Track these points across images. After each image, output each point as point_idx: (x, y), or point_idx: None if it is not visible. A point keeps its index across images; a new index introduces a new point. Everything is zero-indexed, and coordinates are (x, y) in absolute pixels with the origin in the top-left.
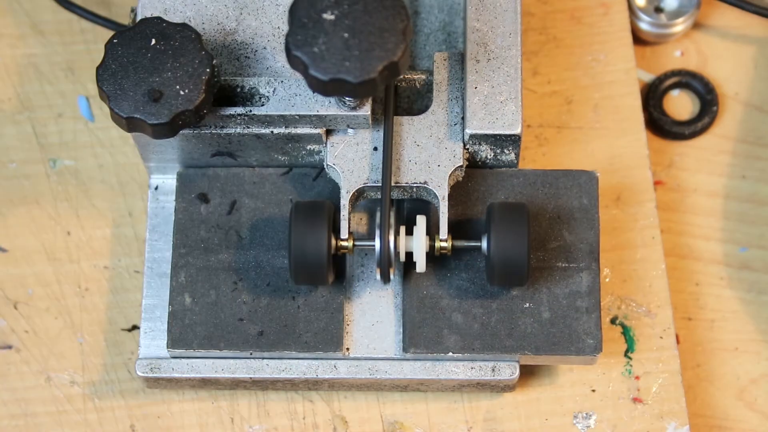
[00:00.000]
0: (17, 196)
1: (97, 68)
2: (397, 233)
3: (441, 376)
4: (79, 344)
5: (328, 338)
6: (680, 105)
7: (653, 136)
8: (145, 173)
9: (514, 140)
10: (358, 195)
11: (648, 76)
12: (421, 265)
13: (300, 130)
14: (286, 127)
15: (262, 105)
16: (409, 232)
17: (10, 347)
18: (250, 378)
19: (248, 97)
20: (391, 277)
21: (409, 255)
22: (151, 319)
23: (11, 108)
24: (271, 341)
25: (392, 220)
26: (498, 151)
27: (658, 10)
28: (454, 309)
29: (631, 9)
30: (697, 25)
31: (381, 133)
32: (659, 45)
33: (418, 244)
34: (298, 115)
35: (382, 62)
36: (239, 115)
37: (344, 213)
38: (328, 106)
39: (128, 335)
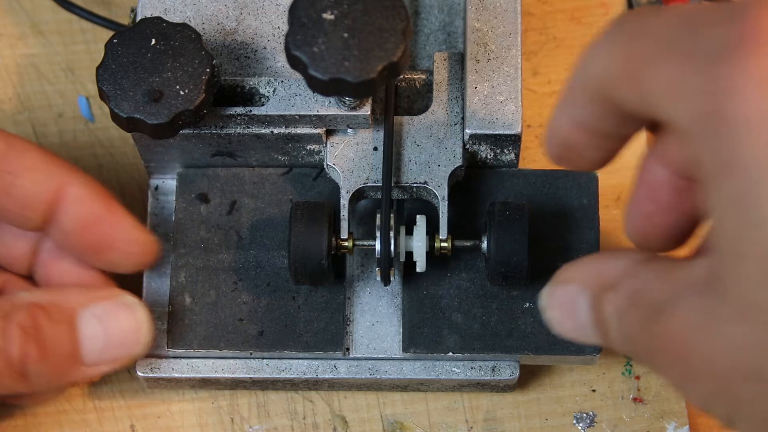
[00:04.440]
0: None
1: (97, 68)
2: (397, 233)
3: (441, 376)
4: None
5: (329, 338)
6: None
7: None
8: (145, 173)
9: (514, 140)
10: (358, 195)
11: None
12: (421, 265)
13: (300, 130)
14: (286, 127)
15: (262, 105)
16: (409, 232)
17: None
18: (250, 378)
19: (248, 97)
20: (392, 278)
21: (409, 255)
22: (151, 319)
23: (11, 108)
24: (271, 341)
25: (392, 221)
26: (498, 151)
27: None
28: (454, 309)
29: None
30: None
31: (381, 133)
32: None
33: (418, 244)
34: (298, 115)
35: (381, 62)
36: (239, 115)
37: (344, 213)
38: (328, 106)
39: None
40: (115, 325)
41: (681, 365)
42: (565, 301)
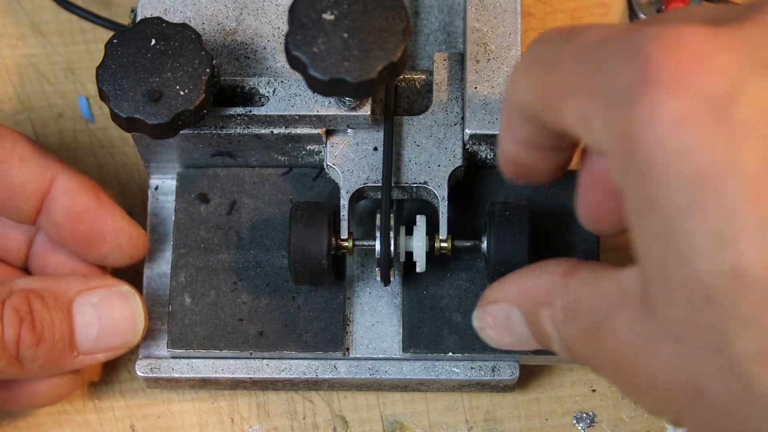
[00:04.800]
0: None
1: (97, 68)
2: (397, 233)
3: (441, 376)
4: None
5: (328, 338)
6: None
7: None
8: (145, 173)
9: None
10: (358, 195)
11: None
12: (421, 265)
13: (300, 130)
14: (286, 127)
15: (262, 105)
16: (409, 232)
17: None
18: (250, 378)
19: (248, 97)
20: (392, 278)
21: (409, 255)
22: (151, 319)
23: (11, 108)
24: (271, 341)
25: (392, 221)
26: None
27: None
28: (454, 309)
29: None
30: None
31: (381, 133)
32: None
33: (418, 244)
34: (298, 115)
35: (381, 63)
36: (239, 115)
37: (344, 213)
38: (328, 106)
39: None
40: (110, 313)
41: (624, 379)
42: (498, 320)
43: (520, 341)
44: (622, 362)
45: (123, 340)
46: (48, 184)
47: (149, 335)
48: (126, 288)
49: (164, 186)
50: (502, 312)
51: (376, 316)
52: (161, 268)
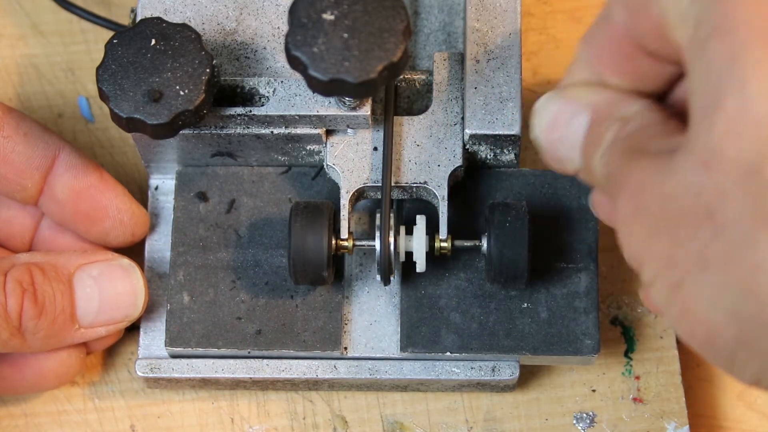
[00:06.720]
0: None
1: (97, 68)
2: (397, 233)
3: (441, 376)
4: None
5: (326, 337)
6: None
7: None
8: (145, 173)
9: (513, 140)
10: (358, 195)
11: None
12: (420, 265)
13: (300, 130)
14: (286, 127)
15: (262, 105)
16: (409, 232)
17: None
18: (250, 378)
19: (248, 97)
20: (391, 279)
21: (409, 254)
22: (151, 318)
23: None
24: (269, 340)
25: (392, 221)
26: (498, 151)
27: None
28: (453, 309)
29: None
30: None
31: (381, 133)
32: None
33: (418, 244)
34: (298, 116)
35: (381, 63)
36: (239, 115)
37: (344, 213)
38: (328, 106)
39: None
40: (110, 286)
41: (638, 200)
42: (563, 112)
43: (561, 142)
44: (645, 180)
45: (124, 313)
46: (51, 162)
47: (149, 335)
48: (126, 261)
49: (164, 186)
50: (570, 108)
51: (375, 316)
52: (161, 268)
